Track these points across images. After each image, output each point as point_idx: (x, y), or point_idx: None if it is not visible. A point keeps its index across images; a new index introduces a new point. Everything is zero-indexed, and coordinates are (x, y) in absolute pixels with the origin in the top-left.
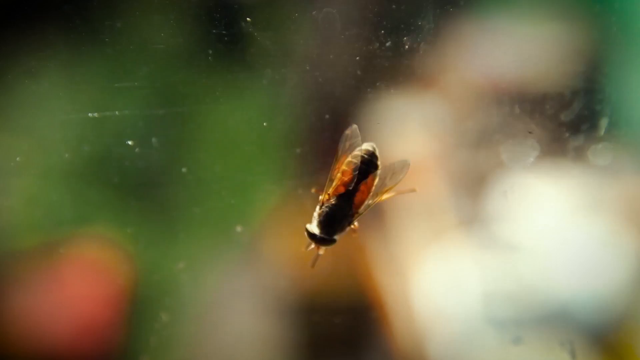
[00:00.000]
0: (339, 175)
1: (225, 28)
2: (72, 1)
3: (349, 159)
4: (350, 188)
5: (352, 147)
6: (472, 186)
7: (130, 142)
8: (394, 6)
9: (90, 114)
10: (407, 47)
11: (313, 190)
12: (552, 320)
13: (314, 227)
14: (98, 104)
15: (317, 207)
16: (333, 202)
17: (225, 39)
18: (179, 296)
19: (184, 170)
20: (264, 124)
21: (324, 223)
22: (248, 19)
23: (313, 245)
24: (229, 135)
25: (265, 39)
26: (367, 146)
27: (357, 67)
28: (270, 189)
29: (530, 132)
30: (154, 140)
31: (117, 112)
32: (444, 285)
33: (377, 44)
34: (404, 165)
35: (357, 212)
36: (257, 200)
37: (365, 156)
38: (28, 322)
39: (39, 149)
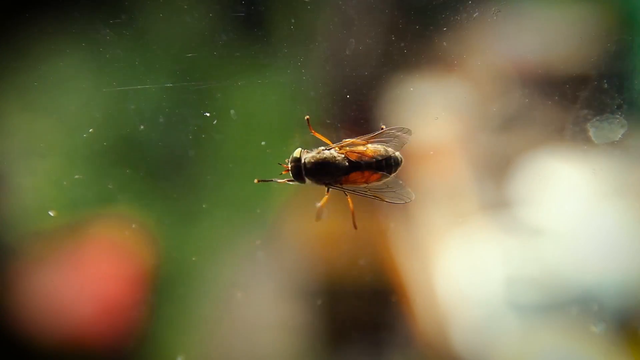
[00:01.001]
0: (361, 147)
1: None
2: None
3: (383, 146)
4: (359, 161)
5: (392, 141)
6: (496, 170)
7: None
8: None
9: (114, 93)
10: (431, 29)
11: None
12: (576, 306)
13: (305, 156)
14: (121, 85)
15: (323, 147)
16: (338, 157)
17: (248, 17)
18: (201, 277)
19: (207, 151)
20: (289, 104)
21: (315, 160)
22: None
23: (286, 166)
24: (253, 117)
25: (287, 21)
26: (400, 155)
27: (382, 49)
28: None
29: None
30: (177, 121)
31: (140, 88)
32: (467, 270)
33: (402, 27)
34: (405, 196)
35: (340, 184)
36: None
37: (393, 161)
38: (53, 301)
39: (63, 129)
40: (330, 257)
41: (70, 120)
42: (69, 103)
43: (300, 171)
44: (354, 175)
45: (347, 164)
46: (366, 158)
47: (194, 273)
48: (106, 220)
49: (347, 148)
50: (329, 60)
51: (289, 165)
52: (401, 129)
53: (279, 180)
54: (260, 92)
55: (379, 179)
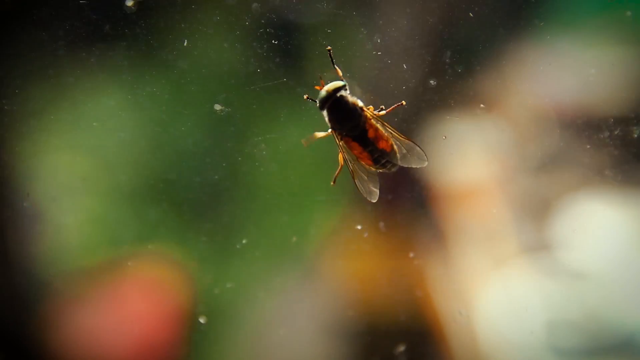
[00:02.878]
0: (383, 131)
1: (282, 44)
2: (135, 23)
3: (397, 147)
4: (369, 139)
5: (407, 153)
6: (535, 212)
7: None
8: (456, 29)
9: (153, 132)
10: (469, 69)
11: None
12: (618, 350)
13: (343, 92)
14: (160, 125)
15: (363, 103)
16: (363, 119)
17: (279, 57)
18: (238, 314)
19: (244, 187)
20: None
21: (349, 103)
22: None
23: (319, 87)
24: (288, 154)
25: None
26: (397, 165)
27: (420, 88)
28: (329, 209)
29: None
30: (212, 159)
31: (178, 126)
32: (507, 313)
33: (440, 66)
34: (369, 192)
35: (340, 139)
36: (315, 220)
37: (388, 166)
38: (90, 338)
39: (103, 168)
40: (368, 297)
41: (110, 158)
42: (110, 141)
43: (327, 101)
44: (354, 145)
45: (362, 130)
46: (379, 144)
47: (231, 310)
48: (144, 257)
49: (372, 121)
50: (367, 98)
51: (324, 91)
52: (421, 153)
53: (320, 135)
54: (296, 127)
55: (368, 164)
